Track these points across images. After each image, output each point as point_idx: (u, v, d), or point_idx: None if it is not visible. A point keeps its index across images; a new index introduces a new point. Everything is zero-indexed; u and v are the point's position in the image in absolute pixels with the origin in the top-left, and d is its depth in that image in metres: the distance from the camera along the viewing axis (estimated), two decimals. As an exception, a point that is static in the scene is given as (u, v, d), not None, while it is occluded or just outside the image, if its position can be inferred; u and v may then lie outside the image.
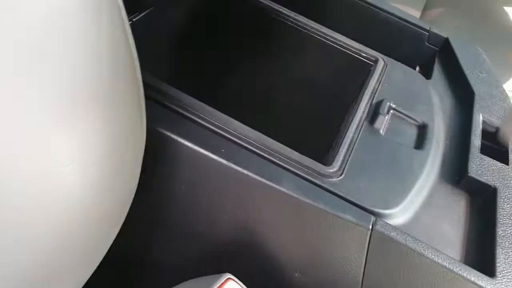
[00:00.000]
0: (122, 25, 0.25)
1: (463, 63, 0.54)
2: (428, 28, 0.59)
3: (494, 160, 0.42)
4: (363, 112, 0.44)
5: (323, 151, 0.43)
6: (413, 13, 0.93)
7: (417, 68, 0.57)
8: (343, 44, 0.52)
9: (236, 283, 0.35)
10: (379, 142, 0.42)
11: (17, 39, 0.19)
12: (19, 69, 0.19)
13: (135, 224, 0.32)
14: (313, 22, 0.53)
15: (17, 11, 0.18)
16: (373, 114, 0.44)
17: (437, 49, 0.59)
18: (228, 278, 0.34)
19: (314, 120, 0.55)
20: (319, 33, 0.53)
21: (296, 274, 0.38)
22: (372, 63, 0.51)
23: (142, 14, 0.46)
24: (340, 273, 0.37)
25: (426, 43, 0.59)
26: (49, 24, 0.20)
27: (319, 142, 0.46)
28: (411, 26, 0.59)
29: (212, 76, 0.60)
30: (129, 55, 0.26)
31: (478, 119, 0.47)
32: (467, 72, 0.53)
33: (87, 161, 0.24)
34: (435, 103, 0.48)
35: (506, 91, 0.70)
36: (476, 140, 0.44)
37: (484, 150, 0.44)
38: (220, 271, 0.34)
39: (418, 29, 0.59)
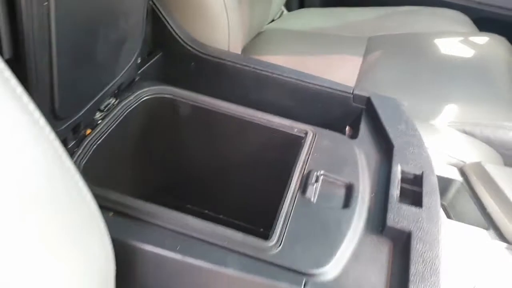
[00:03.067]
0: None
1: (383, 118, 0.63)
2: (351, 91, 0.68)
3: (410, 206, 0.51)
4: (295, 184, 0.53)
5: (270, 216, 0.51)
6: (355, 60, 1.04)
7: (347, 128, 0.67)
8: (277, 124, 0.62)
9: None
10: (311, 210, 0.50)
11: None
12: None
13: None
14: (250, 109, 0.63)
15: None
16: (304, 184, 0.53)
17: (363, 107, 0.68)
18: None
19: (260, 191, 0.64)
20: (256, 118, 0.62)
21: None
22: (303, 136, 0.61)
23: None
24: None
25: (353, 103, 0.68)
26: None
27: (266, 210, 0.55)
28: (337, 91, 0.69)
29: (166, 168, 0.69)
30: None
31: (396, 170, 0.55)
32: (387, 127, 0.62)
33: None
34: (360, 162, 0.57)
35: (443, 123, 0.80)
36: (394, 191, 0.53)
37: (403, 197, 0.53)
38: None
39: (343, 93, 0.69)
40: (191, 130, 0.67)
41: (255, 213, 0.51)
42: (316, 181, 0.53)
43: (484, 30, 1.14)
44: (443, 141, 0.76)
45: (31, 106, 0.28)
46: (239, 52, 0.87)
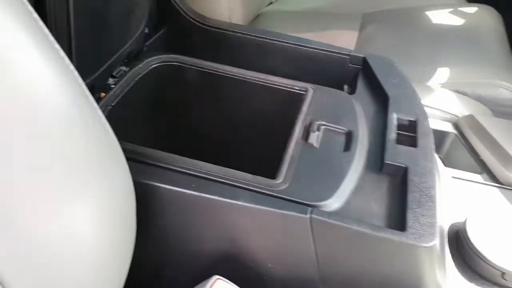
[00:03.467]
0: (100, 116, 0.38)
1: (378, 74, 0.67)
2: (348, 53, 0.72)
3: (405, 146, 0.55)
4: (299, 133, 0.57)
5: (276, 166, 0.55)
6: (351, 34, 1.08)
7: (345, 87, 0.71)
8: (279, 83, 0.66)
9: (225, 281, 0.46)
10: (314, 153, 0.54)
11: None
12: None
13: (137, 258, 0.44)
14: (252, 72, 0.67)
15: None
16: (307, 132, 0.56)
17: (360, 67, 0.72)
18: (217, 279, 0.46)
19: (266, 144, 0.67)
20: (259, 79, 0.66)
21: (270, 265, 0.50)
22: (304, 93, 0.64)
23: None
24: (300, 257, 0.48)
25: (349, 64, 0.72)
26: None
27: (273, 160, 0.59)
28: (334, 54, 0.73)
29: (177, 128, 0.73)
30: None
31: (392, 117, 0.59)
32: (382, 81, 0.66)
33: (99, 221, 0.35)
34: (358, 113, 0.61)
35: (436, 84, 0.83)
36: (391, 134, 0.57)
37: (400, 140, 0.57)
38: (211, 276, 0.46)
39: (341, 55, 0.73)
40: (199, 94, 0.71)
41: (263, 165, 0.55)
42: (318, 129, 0.57)
43: (474, 1, 1.18)
44: (437, 99, 0.80)
45: (61, 52, 0.33)
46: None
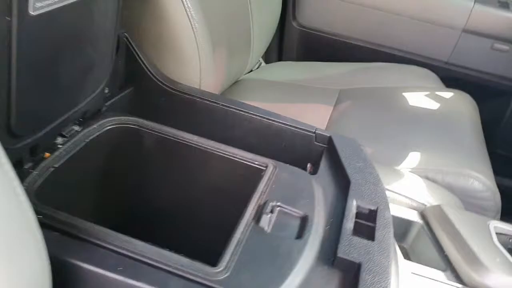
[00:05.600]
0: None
1: (342, 156, 0.65)
2: (314, 130, 0.70)
3: (361, 239, 0.51)
4: (251, 213, 0.53)
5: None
6: (326, 108, 1.08)
7: (309, 166, 0.68)
8: (239, 156, 0.63)
9: None
10: (264, 239, 0.50)
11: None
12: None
13: None
14: (213, 142, 0.64)
15: None
16: (260, 214, 0.52)
17: (325, 146, 0.70)
18: None
19: (217, 222, 0.63)
20: (219, 150, 0.63)
21: None
22: (263, 168, 0.61)
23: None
24: None
25: (315, 142, 0.70)
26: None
27: (221, 242, 0.54)
28: (301, 130, 0.71)
29: (128, 198, 0.69)
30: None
31: (352, 204, 0.56)
32: (345, 163, 0.63)
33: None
34: (317, 196, 0.58)
35: (405, 169, 0.81)
36: (348, 224, 0.53)
37: (357, 231, 0.53)
38: None
39: (307, 132, 0.70)
40: (154, 160, 0.67)
41: (211, 246, 0.51)
42: (272, 211, 0.53)
43: (451, 88, 1.19)
44: (405, 185, 0.77)
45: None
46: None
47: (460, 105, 1.10)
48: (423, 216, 0.71)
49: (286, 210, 0.55)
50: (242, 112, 0.72)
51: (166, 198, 0.69)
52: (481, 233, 0.64)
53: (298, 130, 0.71)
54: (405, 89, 1.12)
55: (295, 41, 1.36)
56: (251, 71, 1.27)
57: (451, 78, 1.29)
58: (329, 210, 0.57)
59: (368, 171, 0.63)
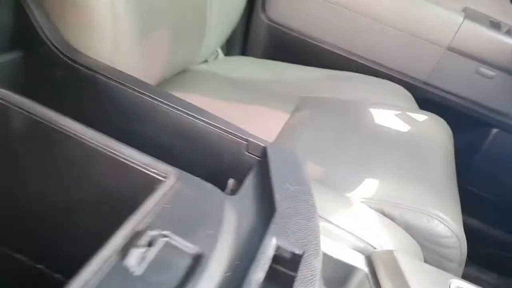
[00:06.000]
0: None
1: (274, 174, 0.49)
2: (247, 137, 0.54)
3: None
4: (118, 244, 0.36)
5: None
6: (281, 115, 0.93)
7: (230, 182, 0.52)
8: (133, 159, 0.46)
9: None
10: (127, 285, 0.34)
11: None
12: None
13: None
14: (104, 136, 0.48)
15: None
16: (130, 246, 0.36)
17: (257, 158, 0.54)
18: None
19: (84, 244, 0.47)
20: (109, 148, 0.47)
21: None
22: (162, 179, 0.45)
23: None
24: None
25: (246, 152, 0.54)
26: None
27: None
28: (229, 135, 0.55)
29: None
30: None
31: (269, 244, 0.40)
32: (275, 185, 0.48)
33: None
34: (225, 226, 0.42)
35: (358, 198, 0.66)
36: (256, 274, 0.37)
37: (271, 280, 0.37)
38: None
39: (236, 138, 0.55)
40: (24, 149, 0.50)
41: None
42: (151, 244, 0.37)
43: (425, 110, 1.06)
44: (353, 218, 0.62)
45: None
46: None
47: (433, 130, 0.96)
48: (369, 262, 0.56)
49: (175, 243, 0.38)
50: (157, 102, 0.56)
51: (35, 197, 0.52)
52: (438, 294, 0.50)
53: (227, 134, 0.55)
54: (373, 105, 0.98)
55: (262, 36, 1.20)
56: (206, 61, 1.11)
57: (428, 100, 1.15)
58: (239, 249, 0.41)
59: (303, 198, 0.47)
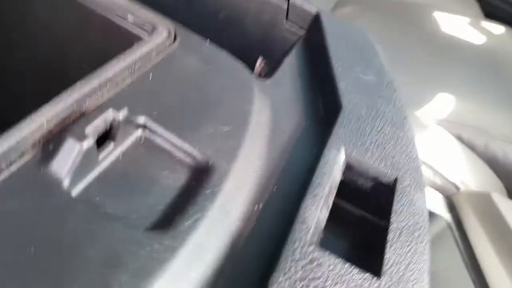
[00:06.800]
0: None
1: (334, 55, 0.30)
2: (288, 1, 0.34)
3: (343, 263, 0.17)
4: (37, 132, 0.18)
5: None
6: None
7: (260, 60, 0.32)
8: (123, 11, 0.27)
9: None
10: (61, 212, 0.16)
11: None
12: None
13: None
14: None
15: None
16: (67, 136, 0.17)
17: (303, 30, 0.34)
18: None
19: None
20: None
21: None
22: (142, 35, 0.26)
23: None
24: None
25: (285, 21, 0.34)
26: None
27: None
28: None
29: None
30: None
31: (335, 159, 0.22)
32: (337, 70, 0.28)
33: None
34: (254, 122, 0.23)
35: (432, 120, 0.48)
36: (315, 210, 0.19)
37: (337, 229, 0.19)
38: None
39: (271, 1, 0.34)
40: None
41: None
42: (111, 137, 0.19)
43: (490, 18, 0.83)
44: (428, 145, 0.43)
45: None
46: None
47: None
48: (451, 205, 0.38)
49: (159, 142, 0.20)
50: None
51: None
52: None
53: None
54: (440, 8, 0.76)
55: None
56: None
57: (495, 7, 0.91)
58: (276, 163, 0.22)
59: (384, 94, 0.28)
